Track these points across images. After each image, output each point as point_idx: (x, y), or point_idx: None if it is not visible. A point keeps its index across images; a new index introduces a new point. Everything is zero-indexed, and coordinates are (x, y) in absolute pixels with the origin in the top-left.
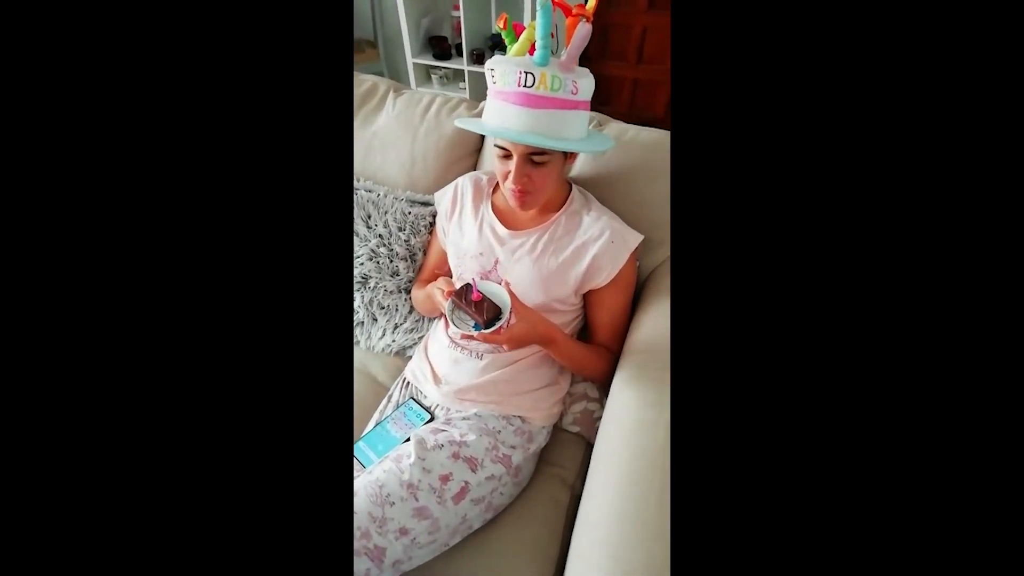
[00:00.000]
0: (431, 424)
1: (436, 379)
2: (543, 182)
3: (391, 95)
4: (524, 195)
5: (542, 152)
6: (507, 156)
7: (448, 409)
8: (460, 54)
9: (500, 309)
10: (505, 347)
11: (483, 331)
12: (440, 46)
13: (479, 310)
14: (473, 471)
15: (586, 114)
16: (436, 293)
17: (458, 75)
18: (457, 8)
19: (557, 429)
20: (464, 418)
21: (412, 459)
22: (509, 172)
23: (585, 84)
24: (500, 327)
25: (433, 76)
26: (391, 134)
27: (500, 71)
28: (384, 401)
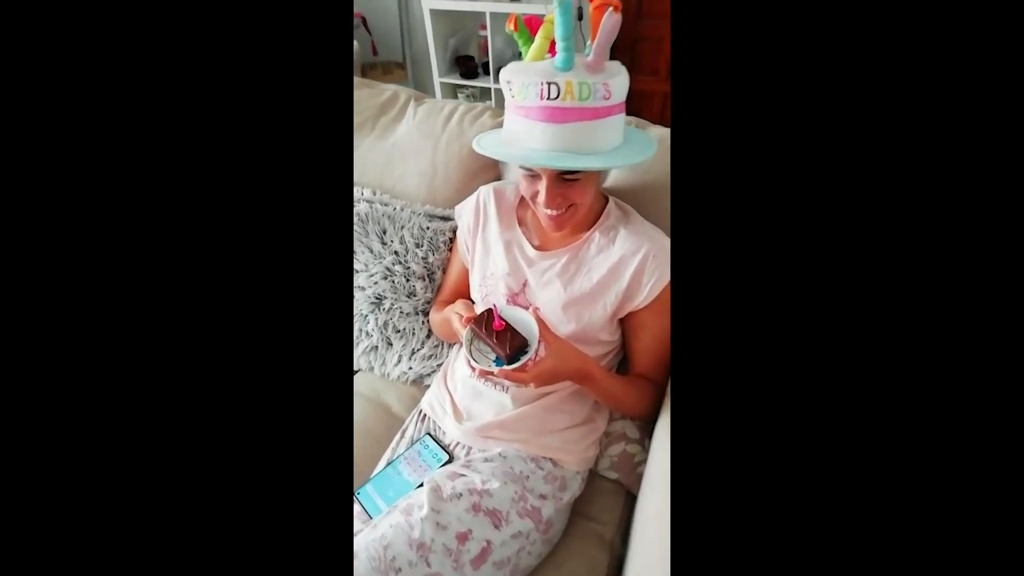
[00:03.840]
0: (449, 467)
1: (456, 413)
2: (579, 198)
3: (412, 104)
4: (558, 219)
5: (574, 170)
6: (535, 177)
7: (469, 448)
8: (487, 72)
9: (526, 340)
10: (532, 385)
11: (505, 367)
12: (467, 65)
13: (501, 341)
14: (496, 528)
15: (621, 118)
16: (454, 319)
17: (485, 93)
18: (484, 27)
19: (592, 475)
20: (486, 459)
21: (424, 512)
22: (537, 192)
23: (618, 84)
24: (526, 362)
25: (460, 95)
26: (411, 144)
27: (519, 83)
28: (397, 436)
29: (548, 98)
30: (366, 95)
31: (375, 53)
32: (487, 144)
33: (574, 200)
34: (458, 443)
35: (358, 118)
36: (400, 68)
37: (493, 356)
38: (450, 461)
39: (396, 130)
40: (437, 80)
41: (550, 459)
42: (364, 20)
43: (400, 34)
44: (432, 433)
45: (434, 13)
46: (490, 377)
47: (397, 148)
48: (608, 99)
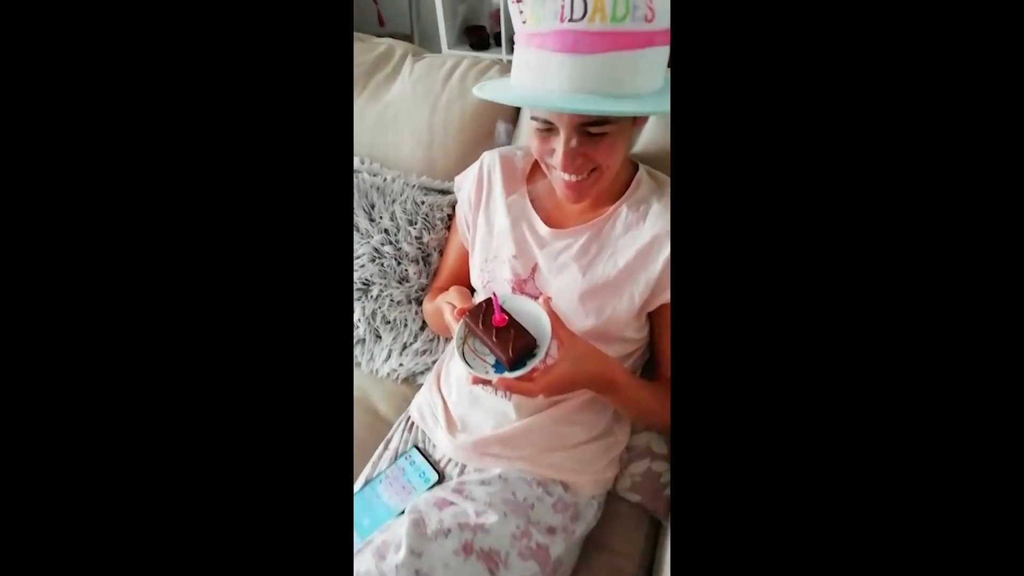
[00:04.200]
0: (437, 490)
1: (450, 423)
2: (605, 159)
3: (409, 59)
4: (579, 187)
5: (602, 120)
6: (550, 130)
7: (463, 466)
8: (499, 44)
9: (533, 340)
10: (541, 396)
11: (507, 374)
12: (477, 35)
13: (502, 341)
14: (493, 574)
15: (665, 52)
16: (446, 310)
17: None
18: None
19: (610, 496)
20: (483, 482)
21: (401, 555)
22: (552, 151)
23: (663, 2)
24: (534, 367)
25: None
26: (406, 105)
27: (532, 1)
28: (380, 447)
29: (571, 19)
30: (356, 50)
31: (382, 24)
32: (490, 89)
33: (598, 162)
34: (450, 459)
35: None
36: (407, 40)
37: (492, 359)
38: (440, 482)
39: (390, 90)
40: (446, 52)
41: (560, 482)
42: None
43: (409, 5)
44: (420, 445)
45: None
46: (487, 385)
47: (390, 110)
48: (651, 21)
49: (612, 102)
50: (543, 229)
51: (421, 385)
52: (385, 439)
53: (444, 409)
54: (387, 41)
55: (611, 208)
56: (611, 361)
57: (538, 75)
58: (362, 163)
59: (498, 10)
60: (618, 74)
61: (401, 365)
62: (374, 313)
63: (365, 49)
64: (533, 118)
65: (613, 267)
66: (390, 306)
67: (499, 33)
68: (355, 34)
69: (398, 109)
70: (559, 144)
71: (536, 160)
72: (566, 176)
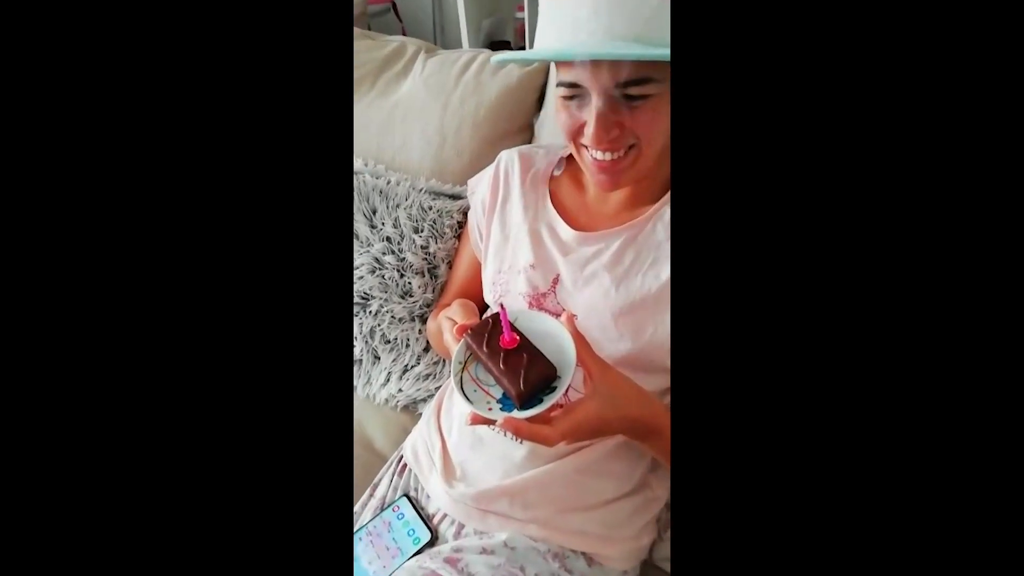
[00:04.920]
0: (426, 557)
1: (447, 469)
2: (646, 132)
3: (421, 56)
4: (614, 167)
5: (643, 78)
6: (579, 97)
7: (460, 527)
8: None
9: (552, 368)
10: (563, 442)
11: (516, 413)
12: (502, 50)
13: (512, 367)
14: None
15: None
16: (446, 327)
17: None
18: (521, 9)
19: (645, 567)
20: (484, 549)
21: None
22: (583, 125)
23: None
24: (552, 405)
25: None
26: (417, 103)
27: None
28: (366, 493)
29: None
30: (366, 47)
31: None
32: (511, 54)
33: (638, 134)
34: (445, 515)
35: (355, 73)
36: None
37: (498, 391)
38: (433, 542)
39: (400, 87)
40: (464, 50)
41: (583, 554)
42: (395, 5)
43: (432, 18)
44: (413, 494)
45: None
46: (491, 426)
47: (399, 109)
48: None
49: (654, 46)
50: (567, 233)
51: (421, 416)
52: (372, 483)
53: (442, 450)
54: (398, 39)
55: (651, 208)
56: (651, 400)
57: (567, 25)
58: (365, 164)
59: (523, 25)
60: (662, 16)
61: (400, 391)
62: (372, 331)
63: (376, 47)
64: (560, 84)
65: (655, 279)
66: (391, 323)
67: (523, 47)
68: (368, 32)
69: (408, 107)
70: (590, 113)
71: (560, 159)
72: (599, 155)
